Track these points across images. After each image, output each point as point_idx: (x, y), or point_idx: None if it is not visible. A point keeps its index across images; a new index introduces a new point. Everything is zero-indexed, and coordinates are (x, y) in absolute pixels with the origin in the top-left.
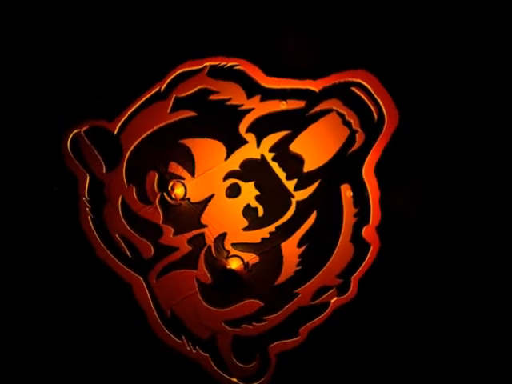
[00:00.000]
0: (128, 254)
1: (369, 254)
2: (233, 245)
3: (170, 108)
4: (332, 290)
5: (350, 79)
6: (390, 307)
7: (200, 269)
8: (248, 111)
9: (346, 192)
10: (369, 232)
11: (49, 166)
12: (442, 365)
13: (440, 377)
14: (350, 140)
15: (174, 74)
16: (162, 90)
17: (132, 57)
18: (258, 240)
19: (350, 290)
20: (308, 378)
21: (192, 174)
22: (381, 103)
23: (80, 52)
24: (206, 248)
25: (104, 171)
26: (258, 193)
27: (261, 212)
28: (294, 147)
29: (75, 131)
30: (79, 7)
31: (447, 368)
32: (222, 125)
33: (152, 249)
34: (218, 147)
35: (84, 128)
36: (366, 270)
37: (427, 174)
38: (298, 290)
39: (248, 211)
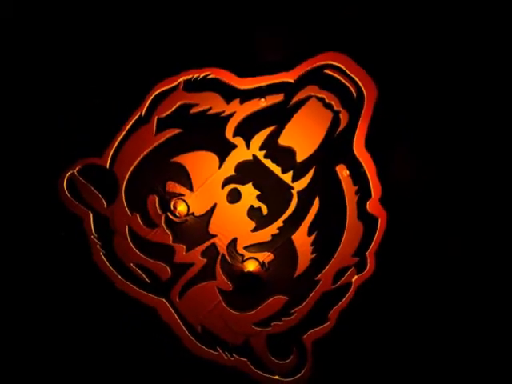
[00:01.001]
0: (146, 279)
1: (378, 226)
2: (245, 248)
3: (154, 130)
4: (351, 270)
5: (322, 63)
6: (409, 276)
7: (219, 278)
8: (230, 116)
9: (343, 172)
10: (373, 205)
11: (50, 212)
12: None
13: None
14: (335, 121)
15: (151, 97)
16: (142, 114)
17: (108, 86)
18: (269, 238)
19: (368, 265)
20: (345, 361)
21: (190, 188)
22: (356, 79)
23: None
24: (220, 257)
25: (105, 206)
26: (258, 192)
27: (265, 210)
28: (283, 140)
29: (69, 173)
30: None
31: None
32: (209, 135)
33: (168, 269)
34: (210, 157)
35: (77, 168)
36: (378, 242)
37: (416, 139)
38: (318, 276)
39: (253, 212)
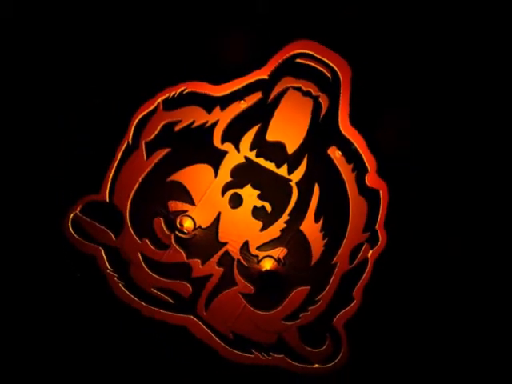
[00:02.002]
0: (170, 300)
1: (381, 198)
2: (258, 248)
3: (144, 155)
4: (364, 246)
5: (292, 53)
6: (421, 242)
7: (240, 283)
8: (215, 124)
9: (335, 153)
10: (372, 179)
11: (60, 255)
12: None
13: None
14: (317, 106)
15: (134, 124)
16: (130, 142)
17: (93, 120)
18: (278, 233)
19: (380, 238)
20: (380, 336)
21: (192, 203)
22: (328, 61)
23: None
24: (235, 262)
25: (114, 238)
26: (258, 192)
27: (269, 208)
28: (271, 136)
29: (71, 215)
30: None
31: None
32: (198, 147)
33: (189, 286)
34: (204, 169)
35: (78, 208)
36: (385, 214)
37: (400, 104)
38: (334, 259)
39: (257, 212)
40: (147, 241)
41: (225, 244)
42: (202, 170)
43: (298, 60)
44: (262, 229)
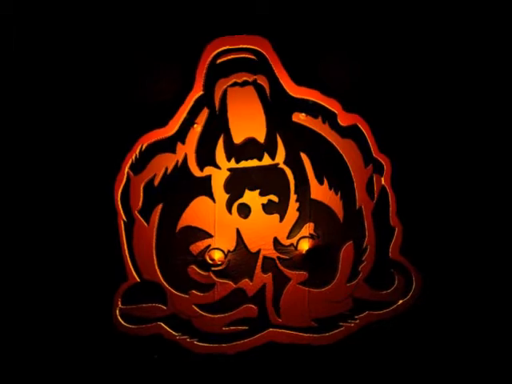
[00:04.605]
0: (244, 327)
1: (363, 130)
2: (288, 237)
3: (144, 222)
4: (375, 177)
5: (209, 59)
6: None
7: (292, 276)
8: (185, 159)
9: (299, 117)
10: (343, 118)
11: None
12: None
13: None
14: (260, 89)
15: (119, 202)
16: (125, 219)
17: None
18: (297, 214)
19: (383, 163)
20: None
21: (209, 236)
22: (243, 46)
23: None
24: (277, 261)
25: (165, 308)
26: (257, 191)
27: (275, 198)
28: (238, 139)
29: (117, 310)
30: None
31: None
32: (184, 187)
33: (252, 306)
34: (201, 201)
35: (119, 302)
36: (374, 141)
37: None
38: (357, 204)
39: (268, 208)
40: (194, 291)
41: (259, 252)
42: (200, 203)
43: (219, 60)
44: (281, 219)
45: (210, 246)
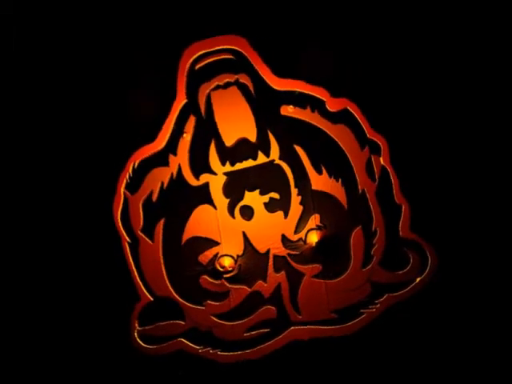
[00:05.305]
0: (266, 330)
1: (354, 113)
2: (295, 232)
3: (148, 240)
4: (373, 158)
5: (188, 66)
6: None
7: (305, 270)
8: (180, 170)
9: (288, 110)
10: (332, 104)
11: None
12: None
13: None
14: (243, 88)
15: (120, 225)
16: (129, 240)
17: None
18: (301, 208)
19: (379, 142)
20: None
21: (216, 243)
22: (219, 47)
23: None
24: (288, 258)
25: (183, 323)
26: (257, 191)
27: (276, 195)
28: (229, 141)
29: (135, 332)
30: None
31: None
32: (183, 198)
33: (270, 307)
34: (202, 210)
35: (136, 324)
36: (366, 122)
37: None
38: (359, 188)
39: (270, 206)
40: (209, 302)
41: (268, 252)
42: (201, 212)
43: (198, 66)
44: (285, 215)
45: (218, 253)
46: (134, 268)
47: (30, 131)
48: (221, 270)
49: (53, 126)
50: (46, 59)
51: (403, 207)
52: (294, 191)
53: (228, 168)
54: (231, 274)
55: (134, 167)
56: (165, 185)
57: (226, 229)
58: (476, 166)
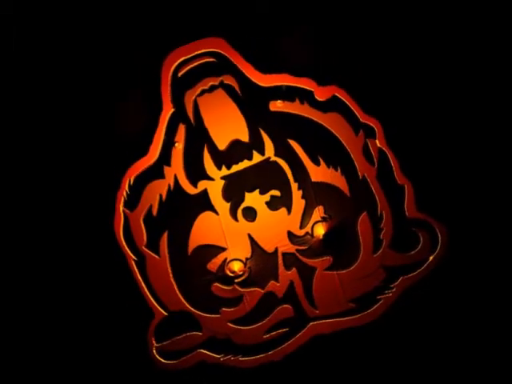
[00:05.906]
0: (285, 329)
1: (343, 99)
2: (301, 227)
3: (154, 255)
4: (369, 143)
5: (170, 73)
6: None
7: (316, 264)
8: (177, 180)
9: (277, 105)
10: (320, 94)
11: None
12: None
13: None
14: (230, 90)
15: (124, 243)
16: (135, 258)
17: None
18: (303, 201)
19: (373, 125)
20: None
21: (223, 249)
22: (199, 51)
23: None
24: (297, 254)
25: (200, 333)
26: (257, 191)
27: (277, 193)
28: (222, 145)
29: (154, 349)
30: None
31: None
32: (183, 208)
33: (286, 305)
34: (205, 217)
35: (153, 341)
36: (358, 109)
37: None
38: (360, 174)
39: (272, 204)
40: (224, 309)
41: (276, 250)
42: (204, 219)
43: (181, 73)
44: (289, 211)
45: (226, 259)
46: (143, 285)
47: (30, 132)
48: (231, 275)
49: (46, 142)
50: (46, 59)
51: (406, 187)
52: (294, 186)
53: (224, 172)
54: (242, 277)
55: (129, 184)
56: (163, 197)
57: (231, 233)
58: (473, 136)
